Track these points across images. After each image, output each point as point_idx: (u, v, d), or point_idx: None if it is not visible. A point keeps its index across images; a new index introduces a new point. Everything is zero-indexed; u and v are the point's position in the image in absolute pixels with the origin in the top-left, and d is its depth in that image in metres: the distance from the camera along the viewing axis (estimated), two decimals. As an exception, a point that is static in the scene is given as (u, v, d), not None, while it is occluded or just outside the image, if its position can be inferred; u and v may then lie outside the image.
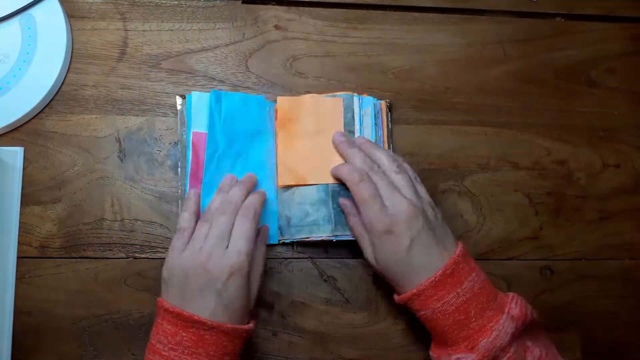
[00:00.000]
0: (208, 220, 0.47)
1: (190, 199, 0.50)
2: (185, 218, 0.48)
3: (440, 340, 0.47)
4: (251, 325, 0.46)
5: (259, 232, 0.49)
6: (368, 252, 0.49)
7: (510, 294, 0.47)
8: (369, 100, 0.56)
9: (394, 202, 0.47)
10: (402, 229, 0.46)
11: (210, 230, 0.46)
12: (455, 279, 0.45)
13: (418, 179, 0.51)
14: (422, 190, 0.50)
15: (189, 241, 0.47)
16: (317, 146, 0.54)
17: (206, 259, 0.44)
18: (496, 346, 0.44)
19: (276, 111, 0.55)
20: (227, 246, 0.45)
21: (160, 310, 0.44)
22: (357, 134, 0.55)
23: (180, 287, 0.44)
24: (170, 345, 0.42)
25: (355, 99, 0.55)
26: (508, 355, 0.44)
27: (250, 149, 0.54)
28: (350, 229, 0.51)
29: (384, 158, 0.50)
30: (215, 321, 0.43)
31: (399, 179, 0.49)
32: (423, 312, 0.46)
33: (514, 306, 0.46)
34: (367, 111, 0.55)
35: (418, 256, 0.46)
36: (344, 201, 0.52)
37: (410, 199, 0.47)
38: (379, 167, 0.50)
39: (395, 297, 0.49)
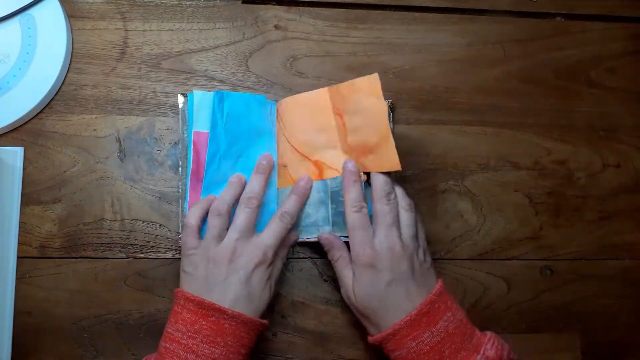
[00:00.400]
0: (223, 214, 0.48)
1: (209, 200, 0.50)
2: (195, 214, 0.49)
3: None
4: (266, 321, 0.47)
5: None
6: (347, 286, 0.48)
7: (488, 334, 0.46)
8: None
9: (387, 237, 0.46)
10: (384, 265, 0.46)
11: (235, 223, 0.48)
12: (430, 318, 0.45)
13: (421, 225, 0.51)
14: (422, 235, 0.50)
15: (198, 235, 0.48)
16: (316, 145, 0.53)
17: (232, 252, 0.46)
18: None
19: (277, 111, 0.55)
20: (253, 239, 0.48)
21: (179, 299, 0.45)
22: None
23: (203, 279, 0.46)
24: (189, 334, 0.43)
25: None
26: None
27: (252, 149, 0.54)
28: (333, 262, 0.51)
29: (398, 192, 0.50)
30: (236, 311, 0.44)
31: (407, 217, 0.48)
32: (398, 353, 0.45)
33: (490, 347, 0.45)
34: None
35: (396, 294, 0.46)
36: (325, 235, 0.51)
37: (405, 240, 0.47)
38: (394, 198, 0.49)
39: (370, 338, 0.48)
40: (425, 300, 0.45)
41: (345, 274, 0.49)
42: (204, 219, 0.49)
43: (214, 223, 0.48)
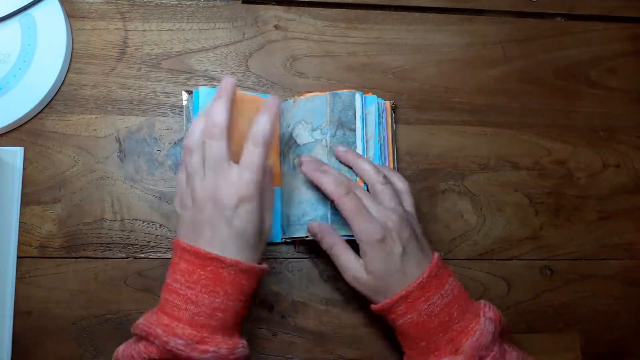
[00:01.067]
0: (198, 147, 0.44)
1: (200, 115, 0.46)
2: (198, 131, 0.45)
3: (420, 349, 0.46)
4: (265, 266, 0.45)
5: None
6: (353, 268, 0.47)
7: (482, 301, 0.47)
8: (372, 98, 0.55)
9: (379, 211, 0.47)
10: (394, 236, 0.46)
11: (207, 160, 0.44)
12: (438, 280, 0.46)
13: (407, 191, 0.50)
14: (408, 202, 0.50)
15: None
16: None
17: (213, 189, 0.43)
18: (481, 344, 0.44)
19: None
20: (231, 171, 0.43)
21: (177, 249, 0.44)
22: (359, 132, 0.53)
23: (191, 219, 0.44)
24: (187, 284, 0.42)
25: (358, 96, 0.54)
26: (492, 354, 0.44)
27: None
28: (330, 249, 0.49)
29: (369, 169, 0.49)
30: (234, 258, 0.42)
31: (383, 190, 0.48)
32: (409, 316, 0.45)
33: (488, 310, 0.46)
34: (371, 110, 0.55)
35: (409, 263, 0.46)
36: (315, 224, 0.50)
37: (394, 208, 0.47)
38: (361, 178, 0.50)
39: (376, 306, 0.47)
40: (432, 263, 0.46)
41: (347, 258, 0.48)
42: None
43: (186, 160, 0.45)
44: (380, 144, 0.54)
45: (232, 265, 0.42)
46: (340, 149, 0.51)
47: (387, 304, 0.46)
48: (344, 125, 0.53)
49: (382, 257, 0.46)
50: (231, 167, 0.44)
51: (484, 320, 0.45)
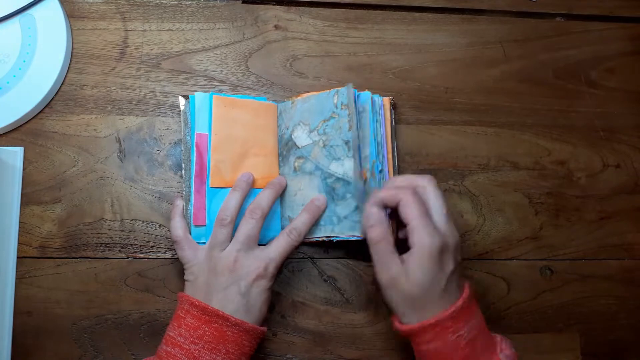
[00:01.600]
0: (226, 224, 0.48)
1: (177, 206, 0.51)
2: (179, 226, 0.50)
3: None
4: (265, 328, 0.48)
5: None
6: (394, 270, 0.44)
7: (497, 336, 0.46)
8: (366, 95, 0.54)
9: (446, 225, 0.45)
10: (451, 254, 0.44)
11: (239, 234, 0.48)
12: (468, 313, 0.44)
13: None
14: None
15: (190, 244, 0.49)
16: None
17: (234, 261, 0.47)
18: None
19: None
20: (256, 250, 0.48)
21: (184, 303, 0.46)
22: (352, 130, 0.51)
23: (205, 285, 0.47)
24: (191, 339, 0.43)
25: (349, 92, 0.52)
26: None
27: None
28: (376, 241, 0.46)
29: (425, 182, 0.47)
30: (239, 318, 0.44)
31: (446, 207, 0.46)
32: (433, 345, 0.43)
33: (505, 346, 0.45)
34: (365, 107, 0.54)
35: (451, 287, 0.44)
36: (373, 209, 0.47)
37: (455, 229, 0.46)
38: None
39: (401, 325, 0.45)
40: (464, 294, 0.44)
41: (393, 259, 0.44)
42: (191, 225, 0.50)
43: (217, 232, 0.48)
44: (378, 142, 0.54)
45: (237, 324, 0.44)
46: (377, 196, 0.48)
47: (413, 329, 0.44)
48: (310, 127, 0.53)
49: (432, 270, 0.43)
50: (258, 248, 0.49)
51: (504, 358, 0.44)
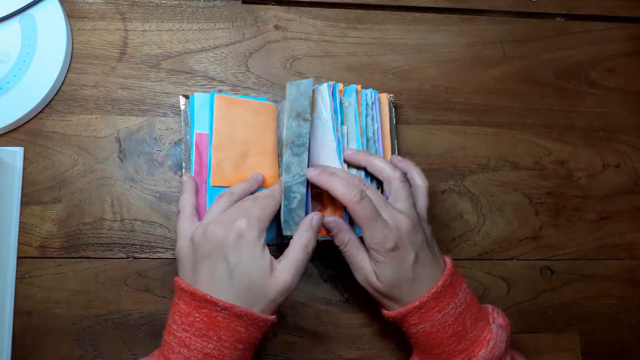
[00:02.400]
0: (229, 196, 0.46)
1: (188, 181, 0.49)
2: (189, 201, 0.48)
3: (433, 357, 0.45)
4: (271, 317, 0.42)
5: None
6: (365, 270, 0.46)
7: (489, 306, 0.47)
8: (351, 89, 0.52)
9: (392, 216, 0.45)
10: (406, 243, 0.44)
11: (210, 208, 0.45)
12: (452, 289, 0.45)
13: (425, 189, 0.49)
14: (422, 202, 0.49)
15: (193, 219, 0.47)
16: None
17: (211, 227, 0.43)
18: (494, 355, 0.44)
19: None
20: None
21: (177, 289, 0.43)
22: (328, 123, 0.50)
23: (189, 260, 0.43)
24: (183, 326, 0.41)
25: (325, 86, 0.51)
26: None
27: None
28: (343, 246, 0.47)
29: (385, 167, 0.48)
30: (228, 302, 0.41)
31: (400, 188, 0.47)
32: (422, 326, 0.44)
33: (497, 316, 0.46)
34: (351, 101, 0.52)
35: (421, 271, 0.45)
36: (330, 219, 0.47)
37: (407, 212, 0.46)
38: (373, 178, 0.49)
39: (389, 312, 0.47)
40: (446, 271, 0.45)
41: (361, 258, 0.46)
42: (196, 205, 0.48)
43: (213, 205, 0.46)
44: (368, 137, 0.52)
45: (226, 308, 0.40)
46: (348, 151, 0.50)
47: (400, 313, 0.45)
48: (299, 115, 0.48)
49: (394, 266, 0.44)
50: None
51: (497, 329, 0.45)
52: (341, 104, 0.52)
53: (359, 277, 0.47)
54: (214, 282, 0.42)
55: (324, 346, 0.53)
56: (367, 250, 0.46)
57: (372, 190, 0.47)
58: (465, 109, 0.59)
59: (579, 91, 0.61)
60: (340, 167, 0.50)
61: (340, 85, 0.52)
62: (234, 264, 0.41)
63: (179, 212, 0.47)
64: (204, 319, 0.41)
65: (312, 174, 0.48)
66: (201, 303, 0.41)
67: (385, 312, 0.47)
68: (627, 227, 0.59)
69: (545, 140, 0.60)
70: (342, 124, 0.51)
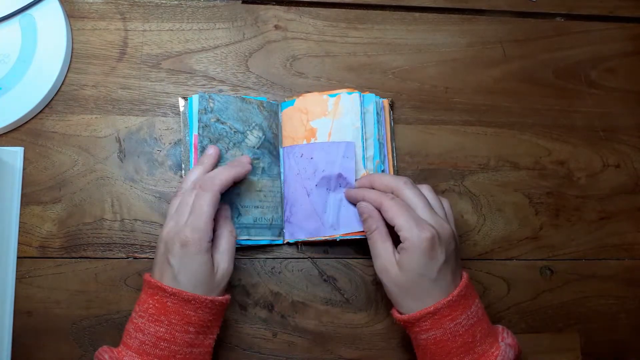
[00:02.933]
0: (178, 195, 0.48)
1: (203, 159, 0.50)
2: (187, 182, 0.49)
3: None
4: (219, 297, 0.45)
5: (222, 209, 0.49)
6: (387, 259, 0.46)
7: (499, 326, 0.47)
8: (370, 97, 0.55)
9: (433, 217, 0.46)
10: (442, 245, 0.45)
11: (179, 205, 0.46)
12: (466, 301, 0.45)
13: (451, 211, 0.50)
14: (452, 220, 0.49)
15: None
16: None
17: (166, 231, 0.45)
18: None
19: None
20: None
21: (143, 281, 0.46)
22: (358, 132, 0.53)
23: (155, 255, 0.46)
24: (139, 313, 0.43)
25: (356, 96, 0.54)
26: None
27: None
28: (369, 232, 0.48)
29: (391, 180, 0.49)
30: (176, 288, 0.43)
31: (415, 196, 0.47)
32: (433, 333, 0.44)
33: (506, 336, 0.46)
34: (369, 109, 0.55)
35: (444, 276, 0.45)
36: (363, 203, 0.49)
37: (446, 221, 0.47)
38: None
39: (400, 315, 0.46)
40: (462, 282, 0.45)
41: (386, 247, 0.47)
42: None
43: (171, 206, 0.48)
44: (380, 142, 0.54)
45: (174, 294, 0.43)
46: (352, 190, 0.52)
47: (413, 317, 0.45)
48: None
49: (423, 260, 0.44)
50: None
51: (505, 346, 0.45)
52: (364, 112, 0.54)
53: (379, 265, 0.47)
54: (163, 277, 0.44)
55: (324, 346, 0.53)
56: (393, 243, 0.47)
57: (416, 190, 0.48)
58: (465, 109, 0.59)
59: (579, 91, 0.61)
60: (363, 171, 0.52)
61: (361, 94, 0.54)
62: (177, 269, 0.43)
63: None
64: (156, 304, 0.43)
65: (349, 195, 0.52)
66: (154, 290, 0.44)
67: (396, 315, 0.47)
68: (627, 227, 0.59)
69: (545, 140, 0.60)
70: (363, 131, 0.53)
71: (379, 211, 0.48)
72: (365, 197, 0.49)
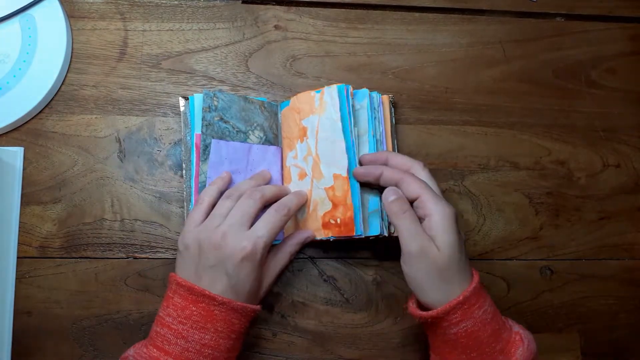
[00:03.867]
0: (232, 199, 0.48)
1: (223, 178, 0.50)
2: (210, 192, 0.49)
3: None
4: (259, 306, 0.46)
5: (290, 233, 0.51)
6: (424, 240, 0.43)
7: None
8: (363, 93, 0.54)
9: (448, 205, 0.45)
10: (458, 224, 0.45)
11: (233, 210, 0.46)
12: (483, 289, 0.45)
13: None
14: None
15: (206, 215, 0.47)
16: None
17: (221, 238, 0.45)
18: (532, 352, 0.43)
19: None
20: (246, 230, 0.46)
21: (172, 284, 0.45)
22: (337, 123, 0.51)
23: (193, 261, 0.45)
24: (179, 319, 0.43)
25: (334, 88, 0.52)
26: None
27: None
28: (402, 212, 0.45)
29: (406, 160, 0.49)
30: (226, 297, 0.44)
31: (429, 178, 0.48)
32: (464, 325, 0.42)
33: (513, 323, 0.46)
34: (363, 104, 0.54)
35: (465, 258, 0.44)
36: (392, 190, 0.47)
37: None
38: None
39: (426, 312, 0.44)
40: (477, 274, 0.45)
41: (419, 228, 0.44)
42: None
43: (220, 205, 0.47)
44: (377, 139, 0.53)
45: (224, 303, 0.43)
46: (367, 155, 0.51)
47: (442, 310, 0.42)
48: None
49: (456, 235, 0.43)
50: (248, 226, 0.46)
51: (522, 329, 0.45)
52: (352, 106, 0.53)
53: (413, 246, 0.43)
54: (213, 285, 0.44)
55: (324, 346, 0.53)
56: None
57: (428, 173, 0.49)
58: (465, 109, 0.59)
59: (579, 91, 0.61)
60: (346, 166, 0.51)
61: (350, 88, 0.53)
62: (234, 280, 0.44)
63: (197, 201, 0.49)
64: (202, 312, 0.43)
65: (358, 173, 0.50)
66: (199, 297, 0.43)
67: (419, 313, 0.44)
68: (627, 227, 0.59)
69: (545, 140, 0.60)
70: (350, 126, 0.52)
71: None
72: (385, 173, 0.48)
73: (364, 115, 0.53)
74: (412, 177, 0.47)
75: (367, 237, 0.51)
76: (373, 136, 0.53)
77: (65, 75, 0.56)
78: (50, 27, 0.55)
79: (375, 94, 0.55)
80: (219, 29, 0.58)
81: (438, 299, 0.43)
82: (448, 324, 0.43)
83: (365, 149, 0.52)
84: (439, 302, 0.43)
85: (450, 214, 0.44)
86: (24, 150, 0.54)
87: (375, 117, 0.54)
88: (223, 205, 0.47)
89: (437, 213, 0.44)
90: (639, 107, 0.62)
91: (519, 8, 0.63)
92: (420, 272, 0.44)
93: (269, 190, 0.49)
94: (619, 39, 0.63)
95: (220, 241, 0.45)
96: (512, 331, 0.45)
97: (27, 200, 0.53)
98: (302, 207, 0.52)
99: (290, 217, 0.49)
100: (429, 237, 0.44)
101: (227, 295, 0.44)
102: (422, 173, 0.48)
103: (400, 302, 0.54)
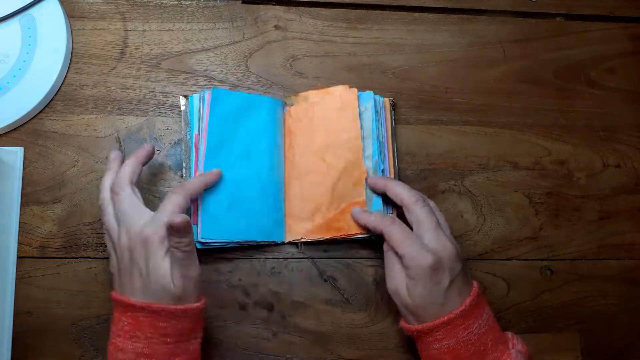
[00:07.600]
0: (108, 204, 0.46)
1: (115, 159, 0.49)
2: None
3: None
4: (190, 305, 0.43)
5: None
6: (399, 281, 0.46)
7: (509, 332, 0.48)
8: (368, 95, 0.55)
9: (439, 239, 0.46)
10: (445, 268, 0.45)
11: (118, 211, 0.45)
12: (477, 309, 0.45)
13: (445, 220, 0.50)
14: (445, 226, 0.49)
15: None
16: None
17: (127, 236, 0.43)
18: None
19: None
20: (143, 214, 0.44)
21: (112, 300, 0.44)
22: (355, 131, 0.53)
23: (117, 267, 0.45)
24: (116, 332, 0.43)
25: (352, 92, 0.54)
26: None
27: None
28: (387, 250, 0.48)
29: (404, 193, 0.49)
30: (145, 301, 0.42)
31: (426, 215, 0.47)
32: (446, 342, 0.44)
33: (516, 342, 0.46)
34: (368, 107, 0.54)
35: (452, 295, 0.45)
36: (391, 216, 0.50)
37: (451, 239, 0.47)
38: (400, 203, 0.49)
39: (411, 326, 0.46)
40: (473, 291, 0.46)
41: (398, 269, 0.47)
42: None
43: (103, 221, 0.46)
44: (380, 142, 0.54)
45: (144, 308, 0.42)
46: (371, 179, 0.52)
47: (427, 327, 0.45)
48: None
49: (428, 286, 0.45)
50: (144, 211, 0.44)
51: (515, 353, 0.45)
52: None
53: (391, 286, 0.47)
54: (133, 290, 0.43)
55: (324, 346, 0.53)
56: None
57: (429, 209, 0.48)
58: (465, 109, 0.59)
59: (579, 91, 0.61)
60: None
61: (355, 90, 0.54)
62: (148, 278, 0.42)
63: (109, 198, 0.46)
64: (130, 321, 0.42)
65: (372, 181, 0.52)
66: (124, 307, 0.43)
67: (406, 326, 0.47)
68: (627, 227, 0.59)
69: (545, 140, 0.60)
70: (362, 129, 0.53)
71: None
72: (368, 223, 0.49)
73: (368, 117, 0.54)
74: (390, 228, 0.47)
75: (370, 237, 0.52)
76: (377, 139, 0.53)
77: (65, 75, 0.56)
78: (50, 27, 0.55)
79: (378, 97, 0.55)
80: (219, 29, 0.58)
81: (414, 321, 0.46)
82: (432, 339, 0.45)
83: (369, 150, 0.53)
84: (429, 318, 0.45)
85: (422, 267, 0.44)
86: (24, 150, 0.54)
87: (378, 120, 0.54)
88: (105, 218, 0.46)
89: (411, 269, 0.45)
90: (639, 107, 0.62)
91: (519, 8, 0.63)
92: (398, 305, 0.47)
93: (128, 175, 0.46)
94: (619, 38, 0.63)
95: (127, 239, 0.43)
96: (504, 353, 0.45)
97: (27, 200, 0.53)
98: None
99: (188, 195, 0.46)
100: (405, 281, 0.46)
101: (147, 298, 0.42)
102: (418, 210, 0.47)
103: (400, 302, 0.54)
